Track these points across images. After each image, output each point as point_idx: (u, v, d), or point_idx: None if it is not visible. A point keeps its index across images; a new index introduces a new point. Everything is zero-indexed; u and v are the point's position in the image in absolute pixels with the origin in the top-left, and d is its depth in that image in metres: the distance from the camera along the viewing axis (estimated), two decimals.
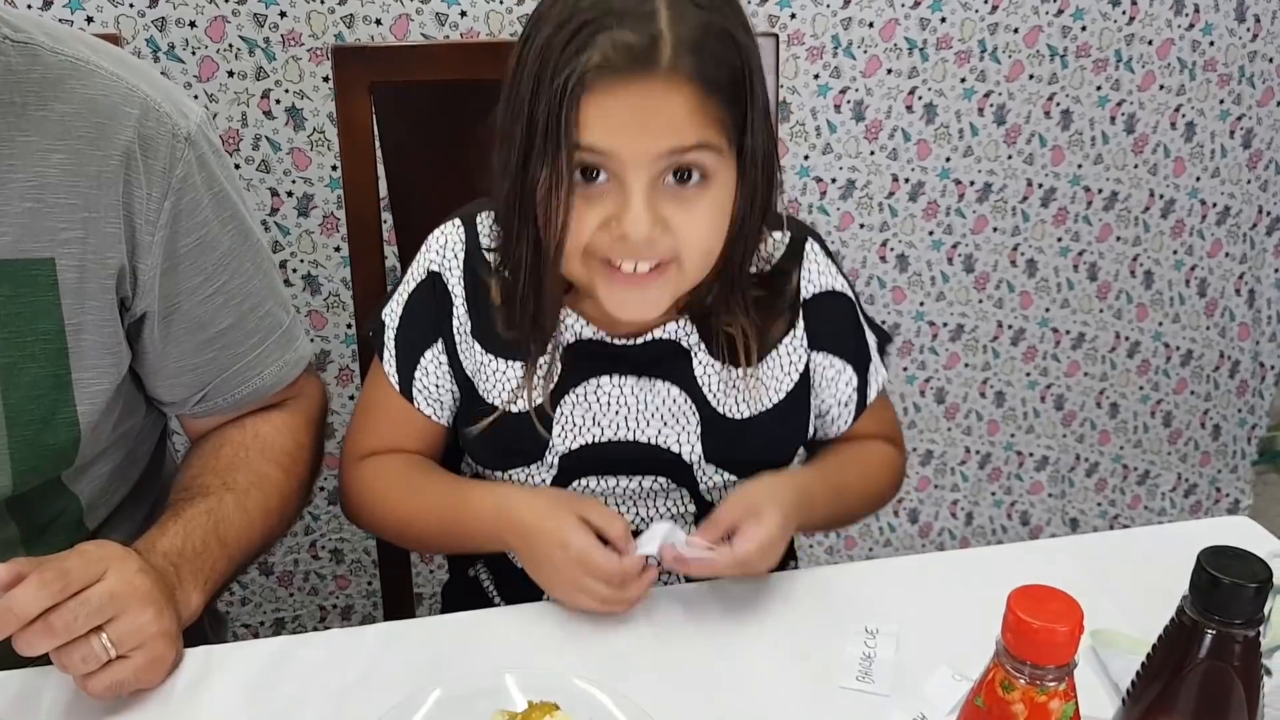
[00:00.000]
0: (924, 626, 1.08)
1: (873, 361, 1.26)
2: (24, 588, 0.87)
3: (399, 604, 1.56)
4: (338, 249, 1.91)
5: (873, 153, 2.09)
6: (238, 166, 1.84)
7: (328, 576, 2.19)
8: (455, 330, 1.16)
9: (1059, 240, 2.22)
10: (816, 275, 1.20)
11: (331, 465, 2.04)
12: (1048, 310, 2.28)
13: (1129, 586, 1.11)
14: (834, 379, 1.23)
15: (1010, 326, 2.29)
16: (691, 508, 1.22)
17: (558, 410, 1.15)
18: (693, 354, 1.17)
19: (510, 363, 1.16)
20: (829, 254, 1.23)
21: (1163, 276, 2.26)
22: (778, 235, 1.18)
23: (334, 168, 1.85)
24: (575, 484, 1.19)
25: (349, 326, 1.98)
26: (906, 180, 2.13)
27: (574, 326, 1.16)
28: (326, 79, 1.79)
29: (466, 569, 1.35)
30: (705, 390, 1.17)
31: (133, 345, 1.11)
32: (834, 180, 2.09)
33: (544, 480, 1.19)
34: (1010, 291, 2.26)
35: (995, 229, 2.20)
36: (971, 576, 1.17)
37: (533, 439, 1.16)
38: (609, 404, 1.17)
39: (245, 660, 1.04)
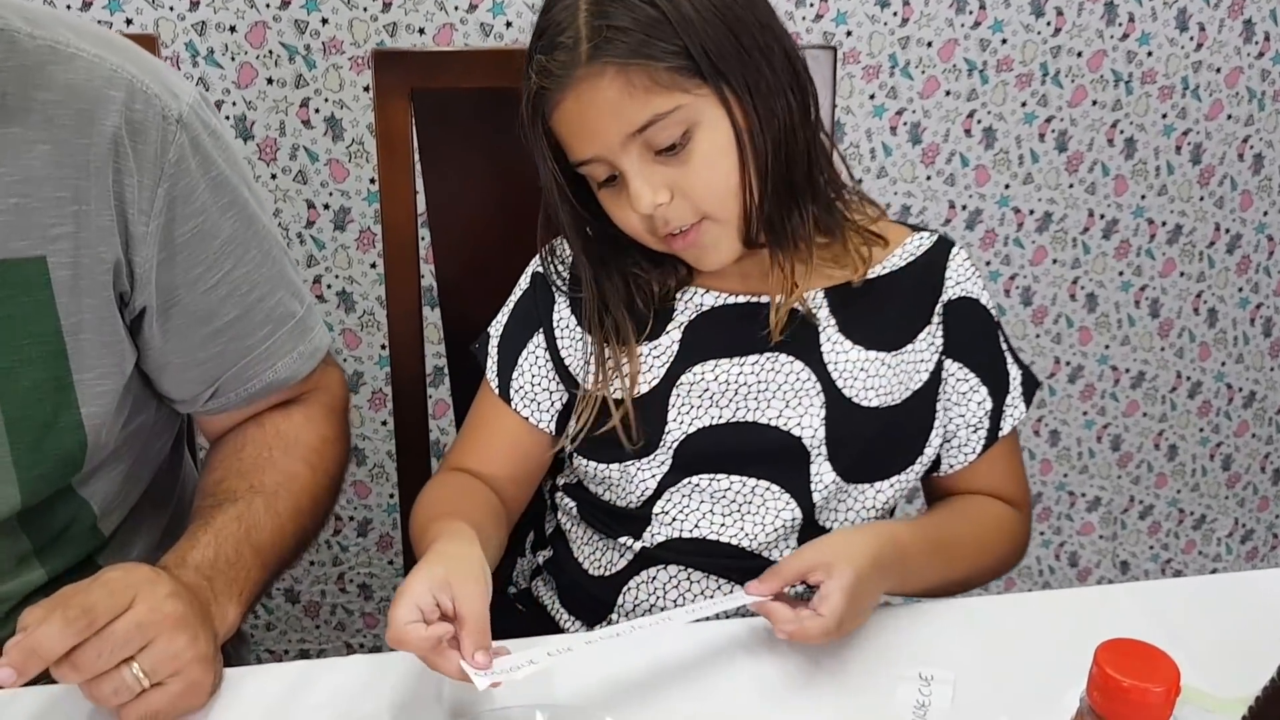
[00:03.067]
0: (982, 674, 1.01)
1: (1011, 393, 1.18)
2: (47, 627, 0.82)
3: None
4: (374, 265, 1.88)
5: (929, 178, 2.03)
6: (274, 176, 1.79)
7: (355, 613, 2.14)
8: (557, 324, 1.16)
9: (1120, 274, 2.14)
10: (961, 279, 1.17)
11: (362, 494, 2.02)
12: (1107, 347, 2.20)
13: (1201, 638, 1.03)
14: (965, 396, 1.17)
15: (1068, 363, 2.22)
16: (798, 518, 1.14)
17: (674, 392, 1.12)
18: (820, 329, 1.13)
19: (624, 347, 1.13)
20: (975, 268, 1.19)
21: (1227, 315, 2.18)
22: (924, 235, 1.18)
23: (372, 181, 1.82)
24: (684, 483, 1.13)
25: (383, 347, 1.94)
26: (964, 208, 2.06)
27: (694, 300, 1.14)
28: (367, 89, 1.76)
29: (504, 589, 1.32)
30: (832, 370, 1.12)
31: (135, 341, 1.06)
32: (888, 205, 2.03)
33: (654, 476, 1.14)
34: (1069, 327, 2.18)
35: (1055, 260, 2.12)
36: (1031, 621, 1.10)
37: (650, 425, 1.12)
38: (729, 383, 1.12)
39: (264, 684, 0.98)
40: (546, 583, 1.26)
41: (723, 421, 1.12)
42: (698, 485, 1.13)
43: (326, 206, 1.83)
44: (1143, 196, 2.09)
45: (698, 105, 1.03)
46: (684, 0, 1.02)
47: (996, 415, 1.17)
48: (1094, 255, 2.13)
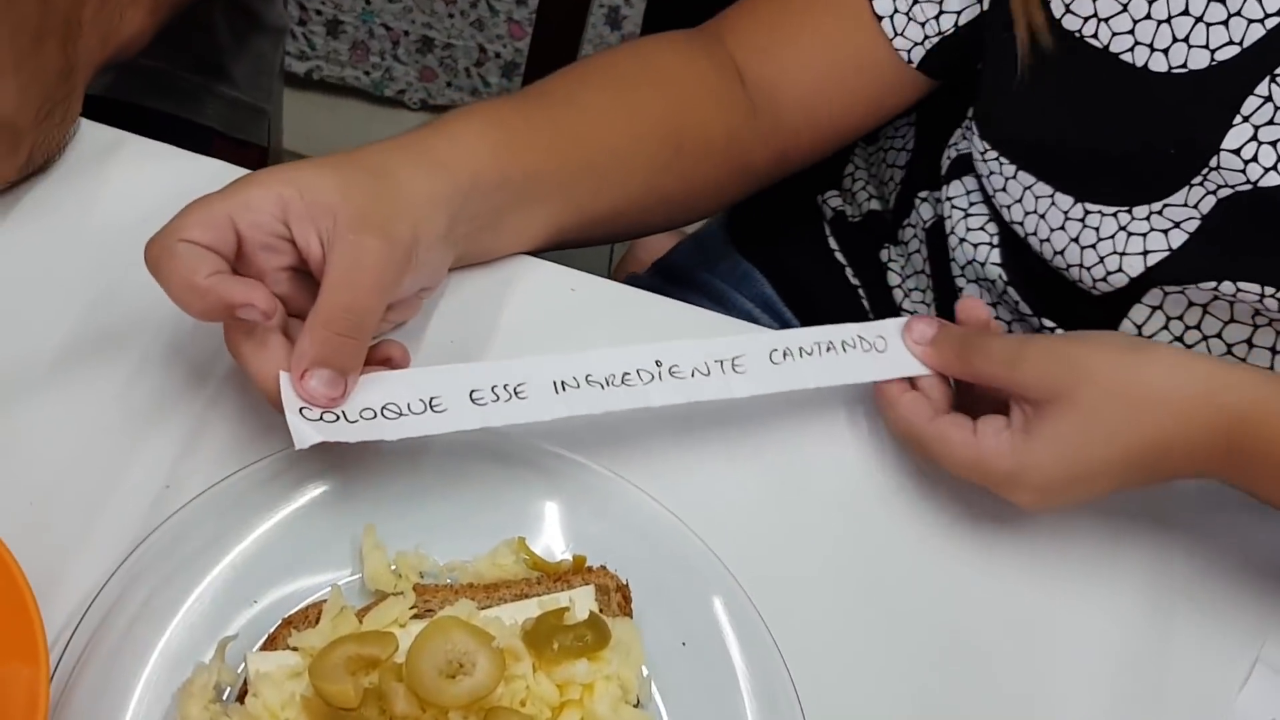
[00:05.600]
0: None
1: None
2: None
3: None
4: None
5: None
6: None
7: (501, 15, 1.74)
8: None
9: None
10: None
11: None
12: None
13: None
14: None
15: None
16: None
17: None
18: None
19: None
20: None
21: None
22: None
23: None
24: (1202, 286, 0.59)
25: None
26: None
27: None
28: None
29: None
30: None
31: None
32: None
33: (1144, 253, 0.59)
34: None
35: None
36: None
37: (1188, 121, 0.57)
38: None
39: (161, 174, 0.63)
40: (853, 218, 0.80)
41: None
42: (1221, 292, 0.59)
43: None
44: None
45: None
46: None
47: None
48: None
